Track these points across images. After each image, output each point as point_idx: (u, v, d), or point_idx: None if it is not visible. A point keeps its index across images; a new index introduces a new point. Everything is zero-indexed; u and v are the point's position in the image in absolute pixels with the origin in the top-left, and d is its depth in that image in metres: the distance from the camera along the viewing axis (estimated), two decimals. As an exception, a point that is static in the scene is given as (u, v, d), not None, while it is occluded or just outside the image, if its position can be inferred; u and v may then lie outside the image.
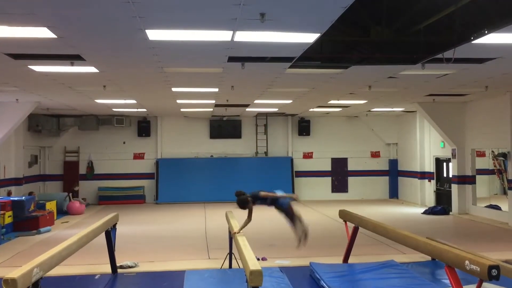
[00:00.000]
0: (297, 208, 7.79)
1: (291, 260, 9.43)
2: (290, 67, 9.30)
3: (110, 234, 8.18)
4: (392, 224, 9.40)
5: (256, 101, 15.13)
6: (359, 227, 8.64)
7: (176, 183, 20.31)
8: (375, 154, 21.89)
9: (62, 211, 16.48)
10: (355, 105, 16.81)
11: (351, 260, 8.92)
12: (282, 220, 15.25)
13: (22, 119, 14.98)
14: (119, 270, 8.55)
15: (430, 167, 18.77)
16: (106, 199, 19.95)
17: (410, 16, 7.66)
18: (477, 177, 16.18)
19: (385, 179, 21.77)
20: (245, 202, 7.22)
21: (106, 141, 20.53)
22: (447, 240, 8.81)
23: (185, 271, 8.19)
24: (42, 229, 13.00)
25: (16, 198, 13.78)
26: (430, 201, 18.41)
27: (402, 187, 21.10)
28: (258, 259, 8.33)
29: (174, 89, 12.23)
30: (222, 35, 6.86)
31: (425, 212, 16.66)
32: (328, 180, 21.68)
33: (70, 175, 20.00)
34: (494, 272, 4.52)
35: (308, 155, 21.64)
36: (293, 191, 20.82)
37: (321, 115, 20.90)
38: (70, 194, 17.61)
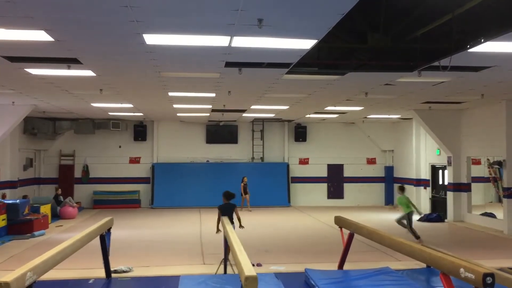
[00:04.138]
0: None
1: (286, 266, 9.42)
2: (287, 73, 9.32)
3: (104, 238, 8.14)
4: (388, 231, 9.39)
5: (253, 107, 15.14)
6: (355, 234, 8.63)
7: (172, 187, 20.27)
8: (371, 161, 21.93)
9: (57, 215, 16.39)
10: (351, 112, 16.85)
11: (346, 266, 8.90)
12: (277, 226, 15.18)
13: (18, 122, 14.93)
14: (113, 275, 8.51)
15: (425, 174, 18.80)
16: (101, 203, 19.88)
17: (407, 23, 7.69)
18: (473, 184, 16.23)
19: (381, 185, 21.80)
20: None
21: (102, 145, 20.50)
22: (442, 248, 8.82)
23: (180, 276, 8.16)
24: (36, 233, 12.93)
25: (10, 201, 13.70)
26: (426, 208, 18.43)
27: (398, 194, 21.08)
28: (253, 265, 8.32)
29: (171, 94, 12.23)
30: (219, 40, 6.87)
31: (420, 219, 16.65)
32: (324, 186, 21.70)
33: (65, 178, 19.93)
34: (488, 280, 4.53)
35: (304, 161, 21.66)
36: (289, 197, 20.86)
37: (317, 121, 20.94)
38: (54, 200, 17.04)
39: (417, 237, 12.23)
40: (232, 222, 9.07)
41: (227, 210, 9.28)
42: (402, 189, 13.13)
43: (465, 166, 16.17)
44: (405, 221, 12.58)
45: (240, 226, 9.25)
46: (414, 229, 12.48)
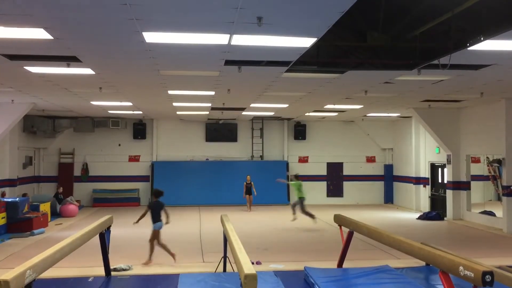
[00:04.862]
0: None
1: (286, 264, 9.43)
2: (287, 71, 9.32)
3: (104, 237, 8.15)
4: (387, 229, 9.41)
5: (252, 105, 15.14)
6: (354, 232, 8.64)
7: (171, 186, 20.21)
8: (371, 159, 21.94)
9: (56, 213, 16.40)
10: (351, 110, 16.85)
11: (345, 264, 8.92)
12: (276, 225, 15.20)
13: (18, 120, 14.93)
14: (112, 273, 8.52)
15: (425, 172, 18.81)
16: (100, 201, 19.88)
17: (406, 22, 7.69)
18: (472, 183, 16.23)
19: (380, 184, 21.81)
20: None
21: (102, 143, 20.49)
22: (441, 246, 8.82)
23: (179, 274, 8.18)
24: (35, 231, 12.94)
25: (10, 200, 13.71)
26: (425, 206, 18.45)
27: (397, 192, 21.14)
28: (253, 263, 8.33)
29: (170, 92, 12.23)
30: (219, 39, 6.86)
31: (419, 218, 16.69)
32: (323, 185, 21.70)
33: (65, 177, 19.93)
34: (488, 278, 4.53)
35: (303, 159, 21.67)
36: (288, 195, 20.87)
37: (317, 120, 20.94)
38: (55, 199, 17.00)
39: (312, 216, 14.23)
40: (159, 220, 9.59)
41: (155, 208, 9.61)
42: (297, 177, 15.25)
43: (464, 164, 16.18)
44: (298, 206, 14.49)
45: (167, 222, 9.78)
46: (308, 211, 14.34)
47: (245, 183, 18.62)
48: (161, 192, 9.97)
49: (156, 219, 9.52)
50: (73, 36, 6.82)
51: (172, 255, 9.50)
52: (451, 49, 7.50)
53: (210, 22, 6.12)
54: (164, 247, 9.54)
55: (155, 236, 9.50)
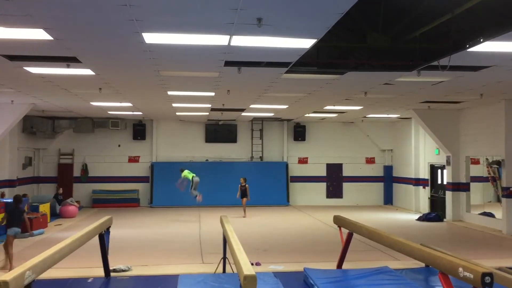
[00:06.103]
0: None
1: (285, 265, 9.43)
2: (286, 72, 9.32)
3: (103, 238, 8.15)
4: (387, 230, 9.41)
5: (252, 106, 15.14)
6: (354, 233, 8.64)
7: (171, 186, 20.16)
8: (370, 160, 21.94)
9: (56, 214, 16.39)
10: (350, 111, 16.85)
11: (345, 266, 8.91)
12: (276, 226, 15.20)
13: (17, 121, 14.93)
14: (112, 274, 8.51)
15: (424, 173, 18.82)
16: (100, 202, 19.87)
17: (406, 23, 7.70)
18: (471, 184, 16.24)
19: (380, 185, 21.81)
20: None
21: (101, 144, 20.48)
22: (441, 247, 8.82)
23: (179, 275, 8.17)
24: (35, 232, 12.90)
25: (9, 200, 13.68)
26: (425, 207, 18.45)
27: (396, 193, 21.14)
28: (252, 264, 8.33)
29: (170, 93, 12.23)
30: (219, 39, 6.87)
31: (419, 219, 16.69)
32: (323, 186, 21.70)
33: (65, 177, 19.91)
34: (487, 279, 4.53)
35: (303, 160, 21.67)
36: (288, 196, 20.87)
37: (316, 121, 20.94)
38: (55, 200, 16.92)
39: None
40: (16, 226, 9.40)
41: (13, 214, 9.47)
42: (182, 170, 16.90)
43: (464, 166, 16.19)
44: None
45: (29, 232, 10.04)
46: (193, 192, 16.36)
47: (239, 185, 17.58)
48: (20, 199, 9.83)
49: (11, 224, 9.35)
50: (73, 36, 6.83)
51: (10, 264, 9.03)
52: (450, 51, 7.51)
53: (210, 23, 6.13)
54: (8, 253, 9.21)
55: (10, 241, 9.31)
